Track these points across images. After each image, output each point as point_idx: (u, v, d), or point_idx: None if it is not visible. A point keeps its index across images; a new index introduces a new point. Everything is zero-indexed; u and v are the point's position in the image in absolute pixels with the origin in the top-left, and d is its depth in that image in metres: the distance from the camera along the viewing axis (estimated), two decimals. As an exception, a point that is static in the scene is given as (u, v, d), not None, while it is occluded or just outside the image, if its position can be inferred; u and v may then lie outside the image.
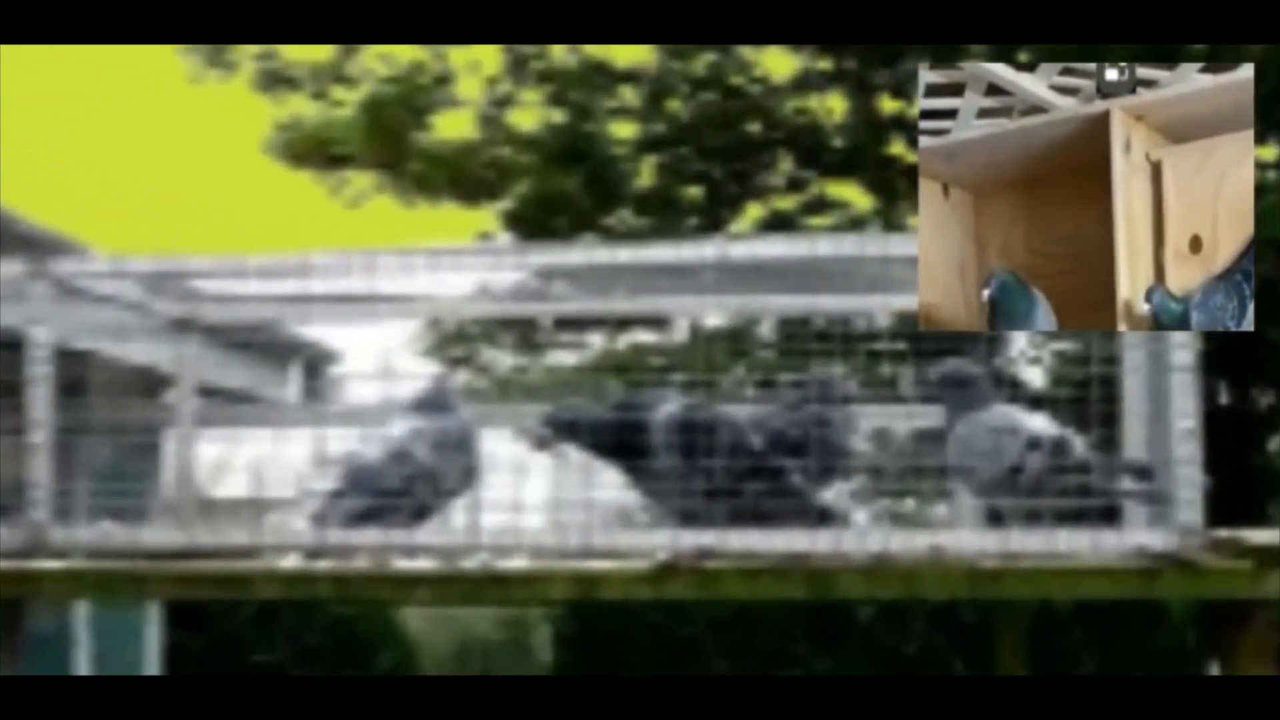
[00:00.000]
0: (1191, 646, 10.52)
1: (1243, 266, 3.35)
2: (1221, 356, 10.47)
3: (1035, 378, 10.56)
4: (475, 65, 13.67)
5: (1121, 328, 3.43)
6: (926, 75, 3.65)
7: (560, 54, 13.45)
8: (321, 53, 13.22)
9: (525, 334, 13.42)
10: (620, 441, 3.93)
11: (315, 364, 8.36)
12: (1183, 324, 3.43)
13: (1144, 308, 3.32)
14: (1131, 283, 3.31)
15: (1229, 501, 4.09)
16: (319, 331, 7.52)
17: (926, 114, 3.56)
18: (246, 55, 13.08)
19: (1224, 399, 11.92)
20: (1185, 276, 3.38)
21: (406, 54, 13.16)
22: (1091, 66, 3.44)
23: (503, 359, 14.66)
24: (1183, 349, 3.59)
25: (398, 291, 4.41)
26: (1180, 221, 3.36)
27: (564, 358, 14.05)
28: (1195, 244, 3.31)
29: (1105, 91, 3.44)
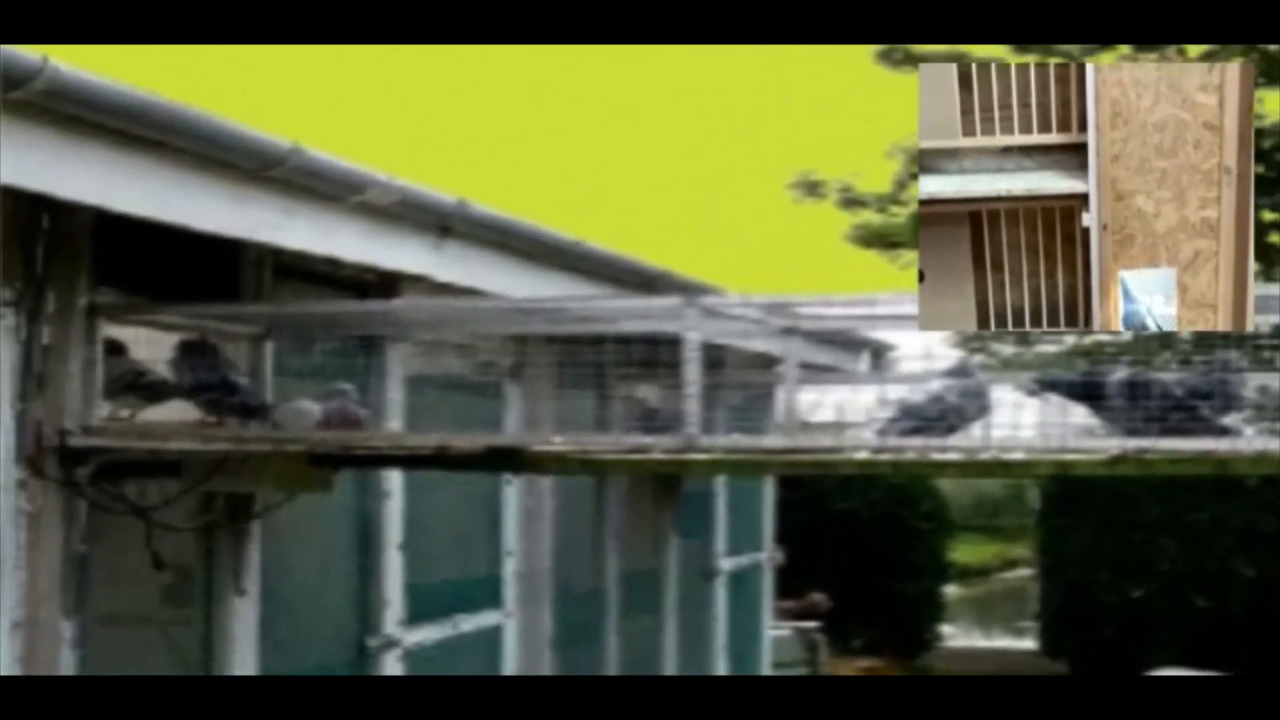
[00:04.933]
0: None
1: None
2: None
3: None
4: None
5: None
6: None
7: None
8: (882, 185, 22.07)
9: (1021, 337, 19.59)
10: (1087, 392, 5.84)
11: (879, 352, 11.35)
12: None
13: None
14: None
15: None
16: (882, 334, 10.47)
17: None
18: (832, 189, 22.06)
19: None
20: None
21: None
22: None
23: (1005, 349, 21.44)
24: None
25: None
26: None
27: (1048, 348, 20.41)
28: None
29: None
